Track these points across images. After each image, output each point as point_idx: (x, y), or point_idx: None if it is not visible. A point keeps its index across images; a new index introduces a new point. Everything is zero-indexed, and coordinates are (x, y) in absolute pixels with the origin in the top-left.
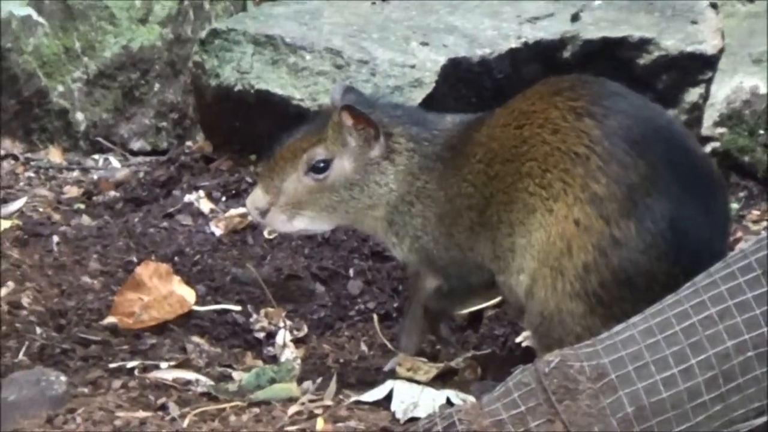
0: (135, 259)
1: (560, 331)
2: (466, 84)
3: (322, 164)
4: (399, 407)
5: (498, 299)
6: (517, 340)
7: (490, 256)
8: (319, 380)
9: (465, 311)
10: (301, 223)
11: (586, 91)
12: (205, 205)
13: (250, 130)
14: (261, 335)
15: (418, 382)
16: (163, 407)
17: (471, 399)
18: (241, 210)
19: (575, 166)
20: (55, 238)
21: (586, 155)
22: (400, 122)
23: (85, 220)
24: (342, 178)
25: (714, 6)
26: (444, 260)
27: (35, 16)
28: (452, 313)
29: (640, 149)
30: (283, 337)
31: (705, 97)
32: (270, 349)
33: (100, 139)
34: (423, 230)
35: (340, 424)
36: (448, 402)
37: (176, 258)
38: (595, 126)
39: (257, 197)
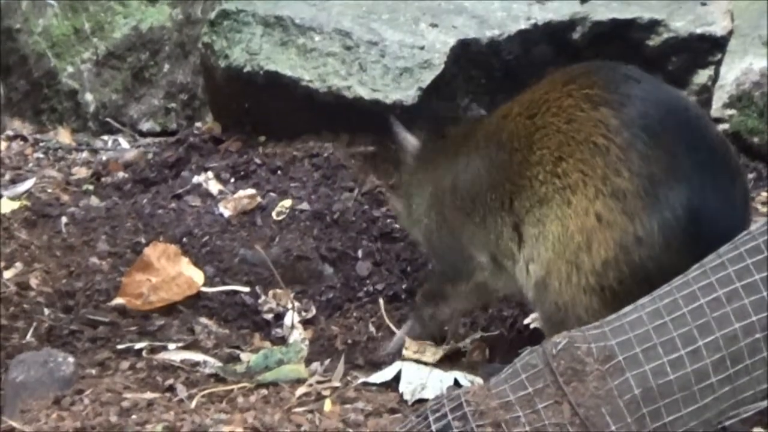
0: (143, 240)
1: (574, 323)
2: (476, 65)
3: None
4: (407, 389)
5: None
6: (526, 321)
7: (489, 245)
8: (327, 362)
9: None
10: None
11: (601, 77)
12: (214, 186)
13: (260, 111)
14: (269, 317)
15: (425, 364)
16: (171, 388)
17: (479, 380)
18: (250, 191)
19: (594, 156)
20: (64, 219)
21: (605, 146)
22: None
23: (94, 201)
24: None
25: None
26: (440, 246)
27: None
28: (444, 307)
29: (659, 139)
30: (291, 318)
31: (714, 78)
32: (278, 330)
33: (109, 119)
34: (425, 215)
35: (348, 406)
36: (456, 383)
37: (185, 239)
38: (612, 115)
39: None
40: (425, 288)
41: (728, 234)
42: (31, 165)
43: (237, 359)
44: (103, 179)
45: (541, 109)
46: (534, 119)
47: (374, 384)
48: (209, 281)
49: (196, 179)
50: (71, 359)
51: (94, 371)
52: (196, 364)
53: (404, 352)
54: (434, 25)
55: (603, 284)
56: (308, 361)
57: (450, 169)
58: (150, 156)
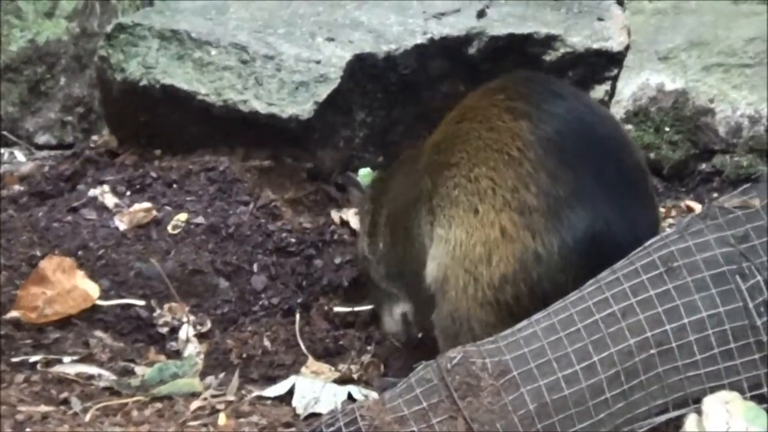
0: (39, 254)
1: (468, 337)
2: (372, 80)
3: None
4: (300, 402)
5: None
6: (419, 335)
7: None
8: (221, 375)
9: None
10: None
11: (528, 91)
12: (110, 200)
13: (156, 124)
14: (164, 330)
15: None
16: (66, 401)
17: (373, 395)
18: (146, 204)
19: (507, 167)
20: None
21: (518, 159)
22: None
23: None
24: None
25: (620, 3)
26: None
27: None
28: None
29: (571, 160)
30: (186, 332)
31: (611, 94)
32: (173, 344)
33: (5, 133)
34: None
35: (242, 420)
36: (350, 398)
37: (80, 252)
38: (529, 129)
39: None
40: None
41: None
42: None
43: (132, 373)
44: None
45: (469, 115)
46: (461, 124)
47: (268, 398)
48: (104, 294)
49: (92, 192)
50: None
51: None
52: (91, 377)
53: (302, 370)
54: (330, 39)
55: (499, 299)
56: (203, 375)
57: (397, 186)
58: (46, 169)
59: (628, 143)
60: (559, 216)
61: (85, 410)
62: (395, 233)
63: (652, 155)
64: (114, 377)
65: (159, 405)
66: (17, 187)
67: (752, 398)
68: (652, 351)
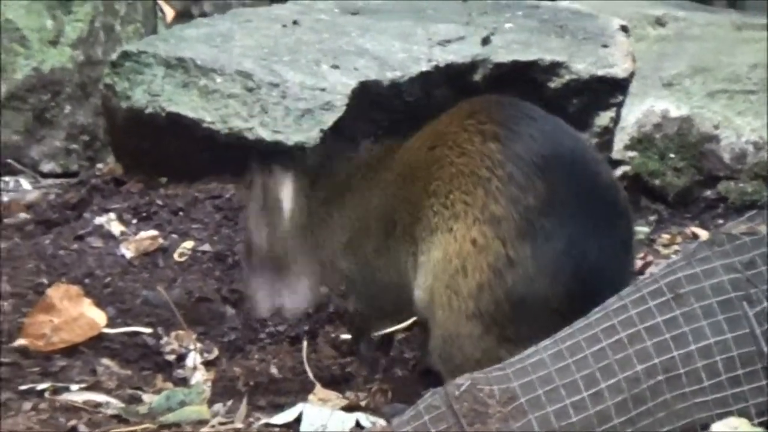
0: (45, 281)
1: (461, 356)
2: (378, 107)
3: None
4: (308, 430)
5: (409, 322)
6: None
7: (399, 272)
8: (229, 403)
9: (378, 333)
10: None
11: (498, 114)
12: (116, 228)
13: (161, 152)
14: (171, 358)
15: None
16: (74, 429)
17: (381, 422)
18: (152, 232)
19: (476, 187)
20: None
21: (487, 177)
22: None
23: None
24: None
25: (625, 29)
26: (357, 281)
27: None
28: (371, 332)
29: (540, 172)
30: (193, 359)
31: (616, 120)
32: (180, 371)
33: (10, 161)
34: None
35: None
36: (358, 425)
37: (87, 280)
38: (498, 150)
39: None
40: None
41: (605, 272)
42: None
43: (139, 400)
44: (4, 220)
45: (440, 142)
46: (434, 151)
47: (276, 425)
48: (111, 322)
49: (97, 220)
50: None
51: None
52: (99, 405)
53: (310, 397)
54: (335, 67)
55: (480, 308)
56: (210, 402)
57: (359, 205)
58: (51, 197)
59: (598, 160)
60: (532, 223)
61: None
62: (359, 249)
63: (657, 182)
64: (121, 405)
65: None
66: (23, 215)
67: (760, 424)
68: (659, 377)
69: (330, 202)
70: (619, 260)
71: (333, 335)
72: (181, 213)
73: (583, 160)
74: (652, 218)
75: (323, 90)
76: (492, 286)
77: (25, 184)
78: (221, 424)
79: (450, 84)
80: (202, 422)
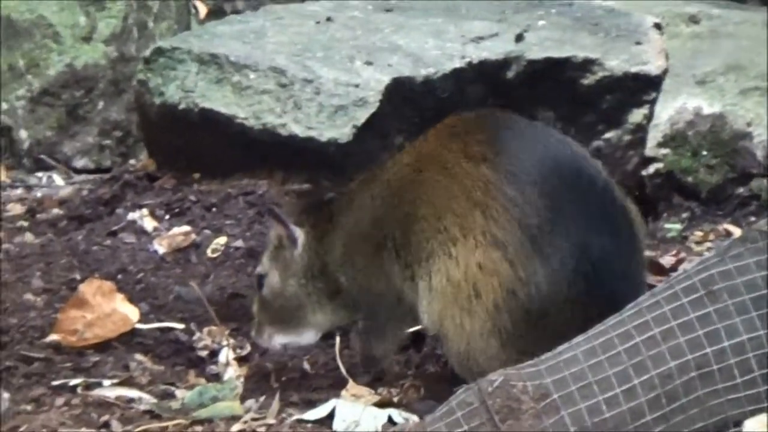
0: (78, 277)
1: (477, 369)
2: (410, 104)
3: (261, 279)
4: (340, 426)
5: None
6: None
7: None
8: (262, 398)
9: (410, 330)
10: (280, 338)
11: (486, 132)
12: (149, 223)
13: (194, 148)
14: (204, 353)
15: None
16: (106, 425)
17: (414, 418)
18: (185, 228)
19: (473, 211)
20: None
21: (483, 201)
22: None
23: (29, 237)
24: (270, 289)
25: (658, 26)
26: (367, 300)
27: None
28: (391, 349)
29: (536, 188)
30: (225, 355)
31: (649, 117)
32: (213, 367)
33: (43, 156)
34: (344, 285)
35: None
36: (390, 421)
37: (119, 276)
38: (491, 172)
39: (254, 321)
40: (365, 335)
41: (616, 279)
42: None
43: (172, 396)
44: (37, 216)
45: (427, 165)
46: (422, 173)
47: (309, 421)
48: (144, 318)
49: (130, 216)
50: (6, 395)
51: (29, 407)
52: (131, 400)
53: (342, 393)
54: (369, 63)
55: (498, 327)
56: (243, 398)
57: (356, 226)
58: (84, 193)
59: (588, 161)
60: (538, 241)
61: None
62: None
63: (689, 179)
64: (154, 400)
65: (199, 428)
66: (56, 211)
67: None
68: (692, 374)
69: (328, 231)
70: (626, 256)
71: None
72: (213, 209)
73: (574, 165)
74: (684, 215)
75: (356, 86)
76: (508, 305)
77: (58, 180)
78: (254, 419)
79: (483, 81)
80: (235, 418)
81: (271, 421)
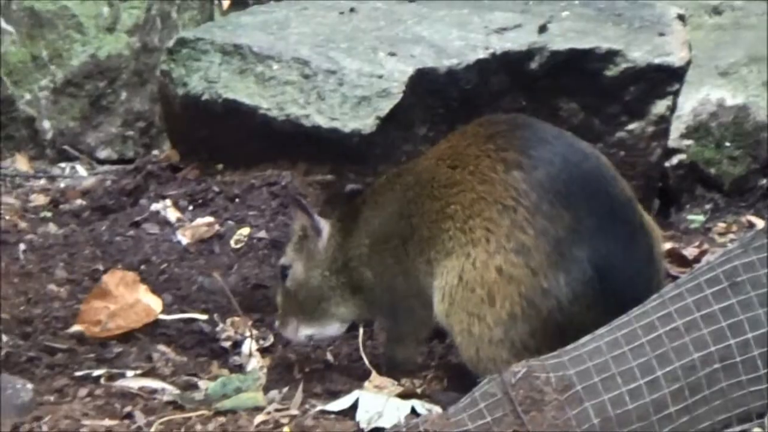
0: (101, 268)
1: (484, 373)
2: (434, 94)
3: (285, 270)
4: (363, 417)
5: None
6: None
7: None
8: (285, 389)
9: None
10: (305, 330)
11: (517, 139)
12: (172, 214)
13: (218, 139)
14: (227, 344)
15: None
16: (129, 416)
17: (436, 409)
18: (208, 219)
19: (501, 216)
20: (22, 246)
21: (513, 207)
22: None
23: (52, 228)
24: (294, 281)
25: (681, 18)
26: (390, 299)
27: (2, 24)
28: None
29: (565, 200)
30: (249, 346)
31: (672, 109)
32: (236, 358)
33: (66, 147)
34: (368, 280)
35: None
36: (413, 412)
37: (143, 267)
38: (522, 179)
39: (278, 313)
40: (388, 338)
41: (630, 286)
42: None
43: (195, 387)
44: (60, 206)
45: (459, 163)
46: (455, 171)
47: (332, 412)
48: (167, 309)
49: (154, 207)
50: (29, 386)
51: (52, 398)
52: (154, 391)
53: (365, 384)
54: (392, 54)
55: (510, 336)
56: (266, 389)
57: (382, 215)
58: (108, 183)
59: (612, 175)
60: (563, 253)
61: (149, 424)
62: (381, 267)
63: (712, 170)
64: (177, 391)
65: (223, 419)
66: (79, 202)
67: None
68: (715, 366)
69: (355, 224)
70: (644, 274)
71: None
72: (237, 200)
73: (600, 179)
74: (707, 207)
75: (380, 77)
76: (527, 317)
77: (81, 170)
78: (277, 410)
79: (506, 72)
80: (258, 409)
81: (294, 412)
